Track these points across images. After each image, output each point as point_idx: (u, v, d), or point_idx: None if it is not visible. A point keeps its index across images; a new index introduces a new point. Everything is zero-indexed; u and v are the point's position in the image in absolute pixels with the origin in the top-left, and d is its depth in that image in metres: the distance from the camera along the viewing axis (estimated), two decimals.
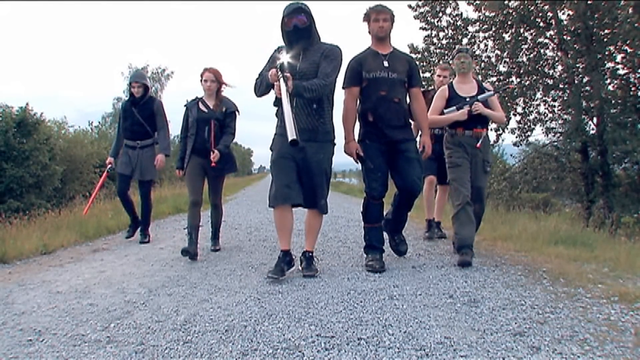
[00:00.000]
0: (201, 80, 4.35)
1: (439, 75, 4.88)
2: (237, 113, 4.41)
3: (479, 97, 3.86)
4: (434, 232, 4.91)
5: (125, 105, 5.05)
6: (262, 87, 3.26)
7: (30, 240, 4.63)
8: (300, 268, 3.46)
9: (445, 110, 3.87)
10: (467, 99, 3.84)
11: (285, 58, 3.13)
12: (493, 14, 11.88)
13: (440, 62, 11.34)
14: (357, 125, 3.67)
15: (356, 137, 3.63)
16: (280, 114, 3.33)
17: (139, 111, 4.91)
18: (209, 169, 4.29)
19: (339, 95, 3.54)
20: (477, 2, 12.12)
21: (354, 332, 2.25)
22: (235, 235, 5.45)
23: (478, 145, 3.82)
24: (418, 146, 3.66)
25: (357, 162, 3.61)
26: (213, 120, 4.25)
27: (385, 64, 3.50)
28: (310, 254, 3.50)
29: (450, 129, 3.92)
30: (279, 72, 2.99)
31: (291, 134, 2.63)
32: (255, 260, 4.00)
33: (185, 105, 4.45)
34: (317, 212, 3.44)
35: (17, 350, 2.11)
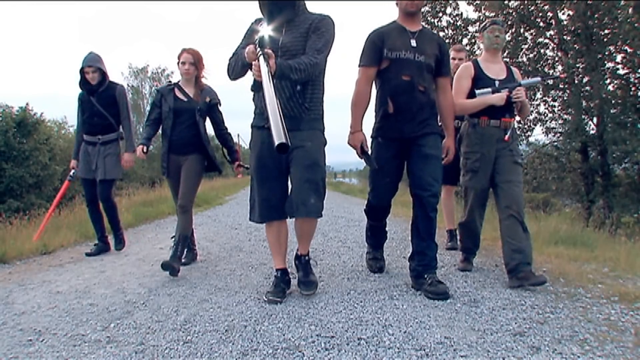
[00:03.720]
0: (178, 63, 3.71)
1: (453, 58, 4.12)
2: (220, 104, 3.83)
3: (523, 82, 3.24)
4: (455, 243, 4.28)
5: (82, 96, 4.25)
6: (237, 67, 2.62)
7: (30, 240, 4.63)
8: (296, 276, 2.96)
9: (477, 92, 3.17)
10: (496, 82, 3.19)
11: (265, 31, 2.52)
12: (493, 14, 11.90)
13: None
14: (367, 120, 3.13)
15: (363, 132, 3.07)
16: (257, 101, 2.78)
17: (98, 100, 4.16)
18: (186, 166, 3.66)
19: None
20: (477, 2, 12.15)
21: (354, 332, 2.25)
22: (235, 235, 5.45)
23: (506, 138, 3.16)
24: (442, 152, 3.08)
25: (361, 158, 3.02)
26: (197, 113, 3.66)
27: (413, 43, 2.91)
28: (307, 258, 2.90)
29: (472, 118, 3.24)
30: (258, 49, 2.35)
31: (278, 136, 1.81)
32: (255, 260, 3.99)
33: (157, 90, 3.85)
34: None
35: (17, 350, 2.11)
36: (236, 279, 3.33)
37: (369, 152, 3.00)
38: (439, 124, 3.13)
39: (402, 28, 2.96)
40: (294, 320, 2.42)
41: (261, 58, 2.27)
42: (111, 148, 4.23)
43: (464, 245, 3.51)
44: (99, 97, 4.18)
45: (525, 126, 12.69)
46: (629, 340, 2.13)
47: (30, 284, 3.29)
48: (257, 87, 2.50)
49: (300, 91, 2.65)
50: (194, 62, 3.68)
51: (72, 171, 4.44)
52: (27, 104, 15.68)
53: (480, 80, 3.20)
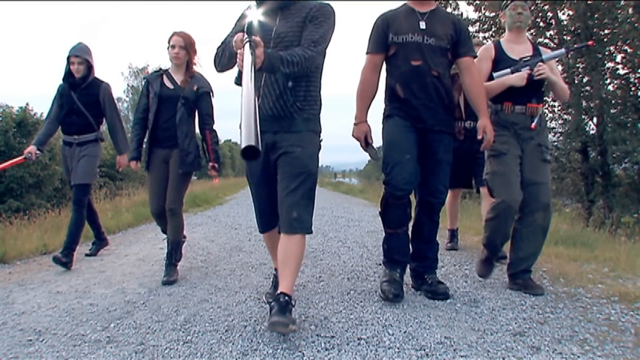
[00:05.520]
0: (168, 47, 3.37)
1: None
2: (212, 95, 3.46)
3: (545, 56, 2.89)
4: (456, 243, 4.31)
5: (63, 89, 3.87)
6: (224, 57, 2.34)
7: (30, 240, 4.63)
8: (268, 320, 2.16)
9: (495, 74, 2.88)
10: (519, 62, 2.89)
11: (255, 16, 2.24)
12: (493, 14, 11.90)
13: None
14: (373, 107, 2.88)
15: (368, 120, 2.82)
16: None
17: (80, 97, 3.80)
18: (172, 164, 3.37)
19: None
20: (477, 2, 12.16)
21: (354, 332, 2.25)
22: (235, 235, 5.45)
23: (533, 125, 2.83)
24: (478, 135, 2.74)
25: (365, 150, 2.81)
26: (180, 101, 3.31)
27: (422, 25, 2.66)
28: (286, 298, 2.14)
29: (494, 104, 2.91)
30: (245, 36, 2.04)
31: (247, 137, 1.46)
32: (255, 260, 3.99)
33: (144, 78, 3.57)
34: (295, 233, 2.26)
35: (17, 350, 2.11)
36: (236, 279, 3.33)
37: (374, 145, 2.80)
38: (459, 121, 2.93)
39: (410, 10, 2.74)
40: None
41: (247, 46, 1.98)
42: (87, 149, 3.86)
43: (489, 242, 2.91)
44: (81, 95, 3.82)
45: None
46: (629, 340, 2.13)
47: (30, 284, 3.29)
48: (240, 79, 2.15)
49: (292, 88, 2.31)
50: (184, 46, 3.35)
51: (27, 154, 3.86)
52: (27, 104, 15.67)
53: (501, 62, 2.92)
